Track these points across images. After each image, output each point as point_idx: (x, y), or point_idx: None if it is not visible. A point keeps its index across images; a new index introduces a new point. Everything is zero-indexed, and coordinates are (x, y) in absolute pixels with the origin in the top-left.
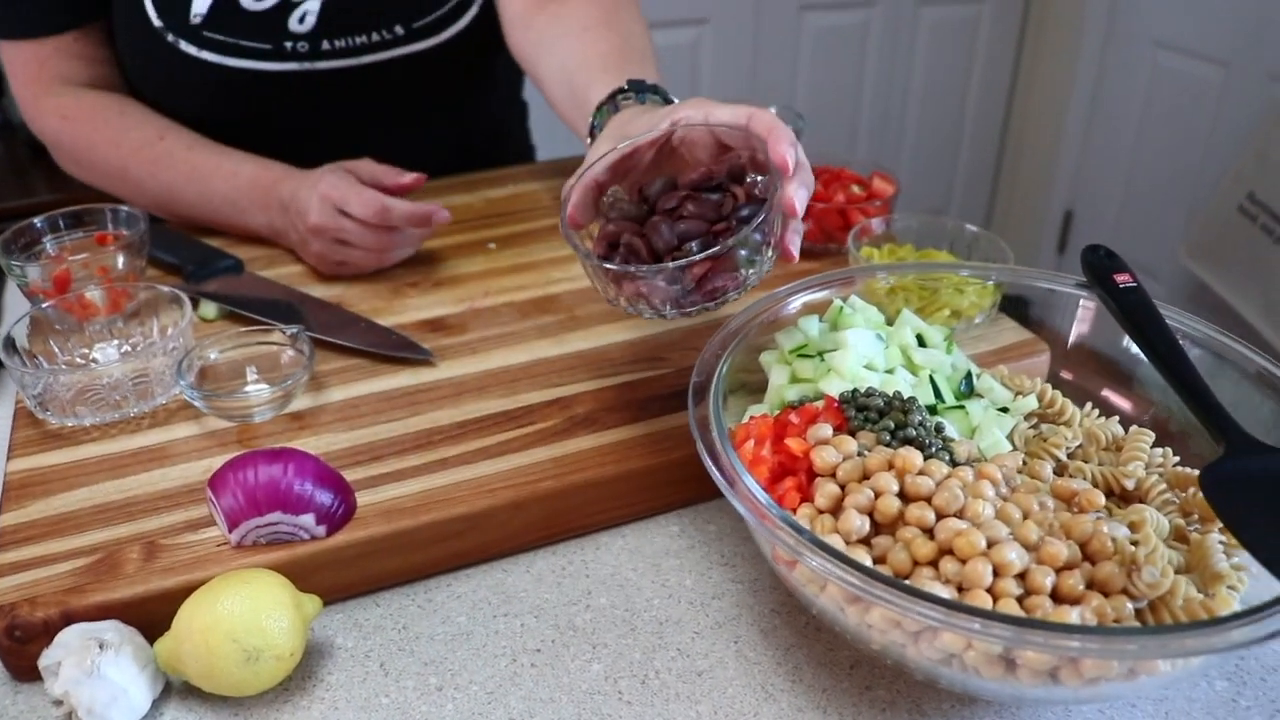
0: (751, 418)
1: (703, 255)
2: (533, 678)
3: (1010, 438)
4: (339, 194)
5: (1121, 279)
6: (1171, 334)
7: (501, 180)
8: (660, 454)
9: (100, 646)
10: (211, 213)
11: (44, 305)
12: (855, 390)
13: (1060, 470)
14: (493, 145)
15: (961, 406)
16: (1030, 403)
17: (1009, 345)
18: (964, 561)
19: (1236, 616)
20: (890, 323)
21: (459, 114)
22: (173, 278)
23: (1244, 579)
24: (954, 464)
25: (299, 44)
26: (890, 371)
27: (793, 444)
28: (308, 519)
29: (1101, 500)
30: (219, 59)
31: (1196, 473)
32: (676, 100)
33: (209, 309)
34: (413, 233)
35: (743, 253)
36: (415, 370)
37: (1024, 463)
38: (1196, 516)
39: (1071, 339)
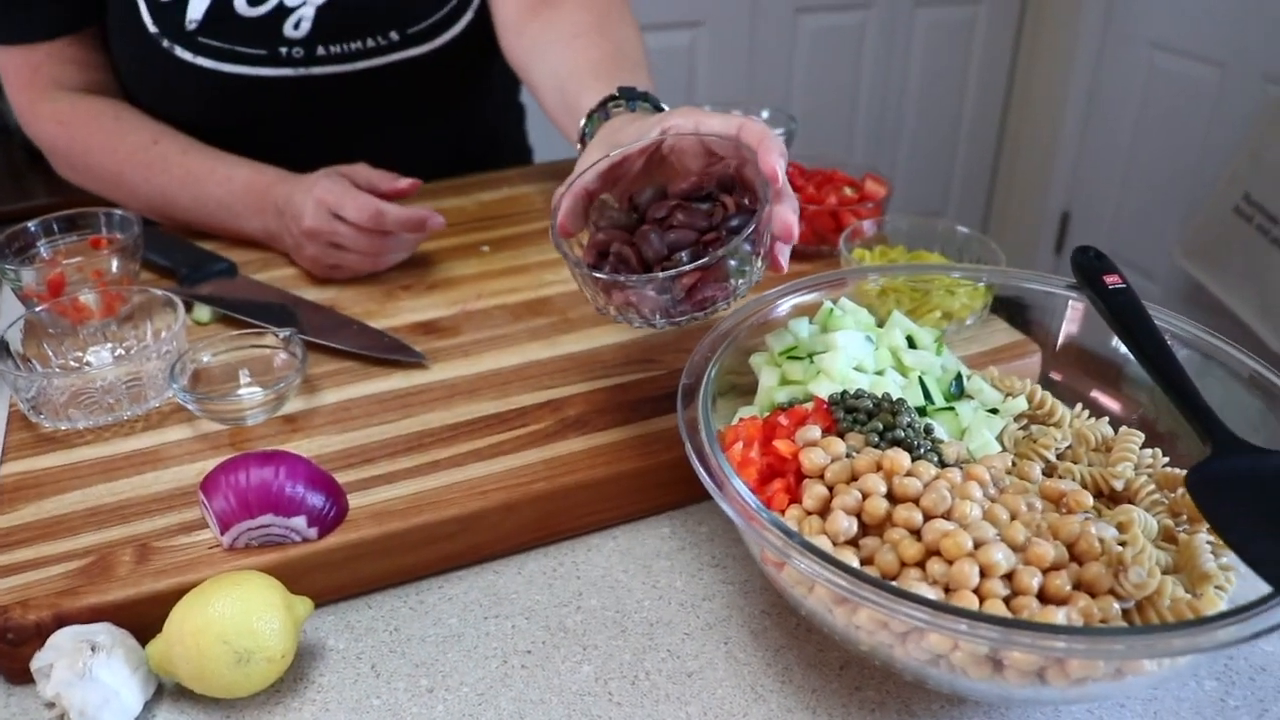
0: (741, 419)
1: (693, 266)
2: (523, 679)
3: (1000, 439)
4: (333, 198)
5: (1111, 280)
6: (1160, 334)
7: (495, 183)
8: (651, 456)
9: (92, 649)
10: (206, 217)
11: (38, 309)
12: (844, 392)
13: (1049, 471)
14: (489, 149)
15: (951, 408)
16: (1020, 404)
17: (1000, 347)
18: (951, 562)
19: (1222, 616)
20: (881, 324)
21: (455, 118)
22: (166, 281)
23: (1231, 579)
24: (942, 465)
25: (294, 50)
26: (880, 373)
27: (781, 446)
28: (299, 521)
29: (1089, 501)
30: (214, 65)
31: (1184, 473)
32: (667, 108)
33: (202, 312)
34: (406, 237)
35: (732, 263)
36: (408, 373)
37: (1013, 464)
38: (1185, 517)
39: (1061, 340)
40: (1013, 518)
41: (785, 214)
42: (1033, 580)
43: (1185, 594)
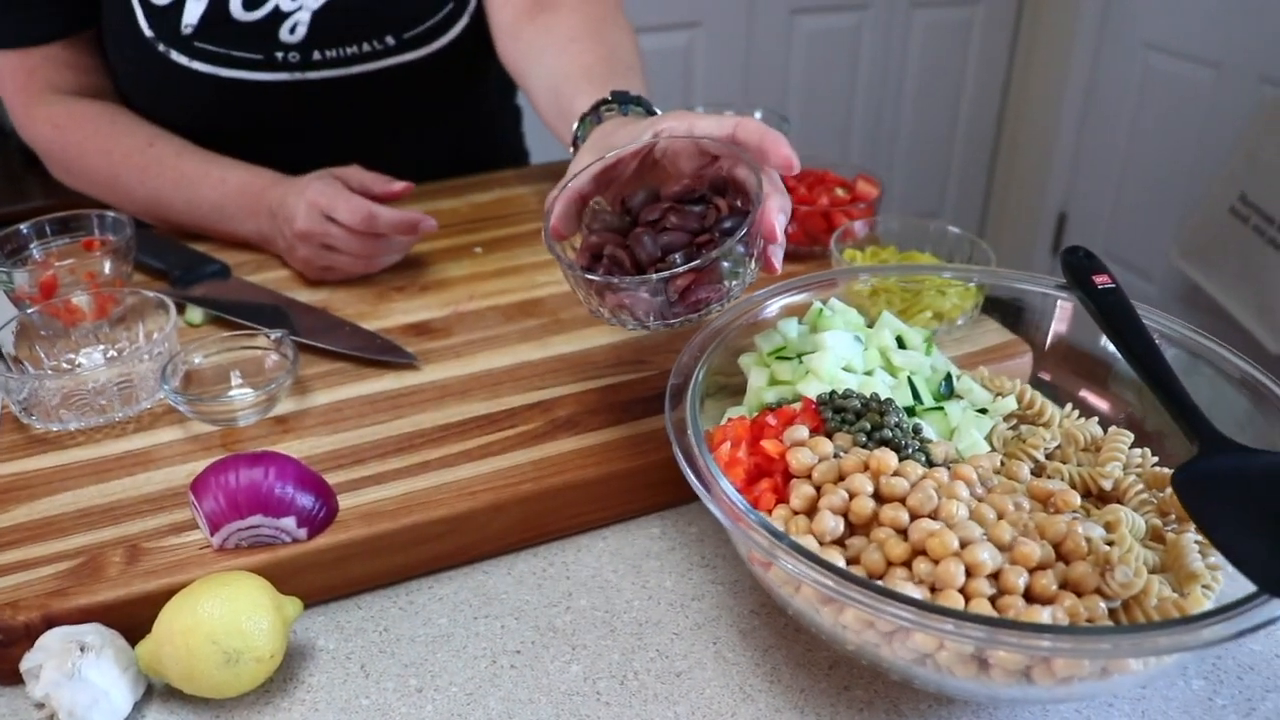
0: (729, 420)
1: (686, 267)
2: (512, 679)
3: (989, 439)
4: (326, 200)
5: (1100, 280)
6: (1148, 334)
7: (488, 184)
8: (641, 456)
9: (81, 649)
10: (200, 219)
11: (30, 311)
12: (833, 392)
13: (1038, 471)
14: (486, 151)
15: (940, 408)
16: (1009, 404)
17: (991, 347)
18: (937, 562)
19: (1207, 615)
20: (872, 325)
21: (451, 122)
22: (159, 283)
23: (1219, 578)
24: (930, 465)
25: (290, 54)
26: (869, 373)
27: (769, 446)
28: (289, 522)
29: (1077, 500)
30: (210, 69)
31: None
32: (660, 112)
33: (195, 314)
34: (399, 240)
35: (726, 264)
36: (399, 374)
37: (1001, 464)
38: (1173, 516)
39: (1051, 340)
40: (1000, 517)
41: (769, 215)
42: (1019, 580)
43: (1172, 593)
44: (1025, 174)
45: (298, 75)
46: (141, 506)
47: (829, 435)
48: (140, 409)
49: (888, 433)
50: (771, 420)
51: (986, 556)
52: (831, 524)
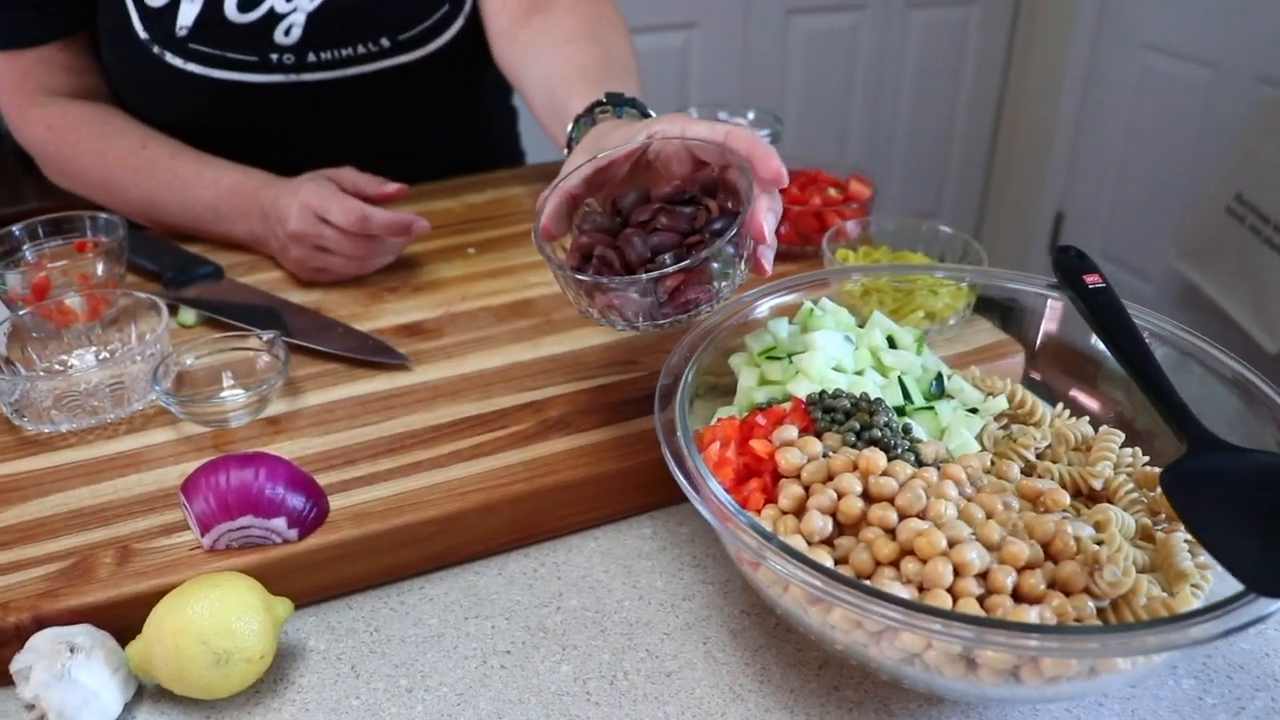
0: (719, 420)
1: (675, 267)
2: (502, 679)
3: (980, 438)
4: (319, 202)
5: (1091, 279)
6: (1138, 333)
7: (482, 185)
8: (632, 456)
9: (71, 650)
10: (193, 220)
11: (22, 312)
12: (823, 392)
13: (1029, 470)
14: (482, 152)
15: (931, 407)
16: (1000, 403)
17: (983, 346)
18: (925, 561)
19: (1195, 614)
20: (863, 325)
21: (447, 123)
22: (152, 284)
23: (1208, 577)
24: (920, 465)
25: (285, 56)
26: (860, 373)
27: (758, 446)
28: (279, 522)
29: (1066, 500)
30: (205, 71)
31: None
32: (654, 114)
33: (188, 315)
34: (392, 241)
35: (716, 265)
36: (391, 375)
37: (992, 463)
38: (1164, 516)
39: (1041, 339)
40: (988, 517)
41: (759, 216)
42: (1007, 579)
43: (1161, 593)
44: (1022, 174)
45: (292, 77)
46: (133, 507)
47: (818, 435)
48: (132, 410)
49: (877, 432)
50: (761, 420)
51: (974, 556)
52: (820, 524)
